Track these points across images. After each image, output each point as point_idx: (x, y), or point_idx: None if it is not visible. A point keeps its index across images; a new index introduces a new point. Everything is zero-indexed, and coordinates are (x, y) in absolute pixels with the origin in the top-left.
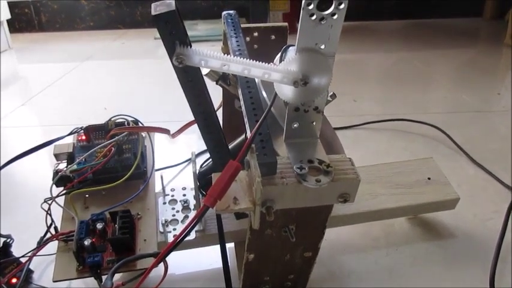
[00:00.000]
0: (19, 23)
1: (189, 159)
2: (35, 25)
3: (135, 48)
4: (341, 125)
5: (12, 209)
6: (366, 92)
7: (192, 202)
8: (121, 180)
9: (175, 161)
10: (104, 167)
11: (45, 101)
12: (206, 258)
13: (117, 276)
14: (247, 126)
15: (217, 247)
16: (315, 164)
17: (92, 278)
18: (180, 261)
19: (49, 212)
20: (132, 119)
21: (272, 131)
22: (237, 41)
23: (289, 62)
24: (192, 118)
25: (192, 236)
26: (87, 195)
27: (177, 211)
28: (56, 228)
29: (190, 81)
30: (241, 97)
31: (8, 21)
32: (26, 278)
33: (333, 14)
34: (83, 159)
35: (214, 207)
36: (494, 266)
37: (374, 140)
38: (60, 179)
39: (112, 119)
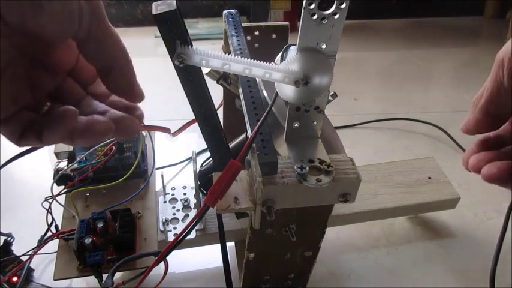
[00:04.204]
0: None
1: (190, 158)
2: None
3: (135, 47)
4: (342, 124)
5: (13, 207)
6: (366, 90)
7: (193, 201)
8: (122, 179)
9: (176, 159)
10: (105, 165)
11: None
12: (206, 257)
13: (117, 275)
14: (248, 125)
15: (218, 246)
16: (316, 163)
17: (93, 276)
18: (181, 260)
19: (50, 210)
20: None
21: (273, 130)
22: (237, 40)
23: (290, 61)
24: (193, 117)
25: (193, 235)
26: (87, 194)
27: (178, 210)
28: (56, 226)
29: (191, 80)
30: (242, 96)
31: None
32: (27, 276)
33: (334, 14)
34: (84, 158)
35: (215, 206)
36: (495, 266)
37: (375, 139)
38: (60, 178)
39: None
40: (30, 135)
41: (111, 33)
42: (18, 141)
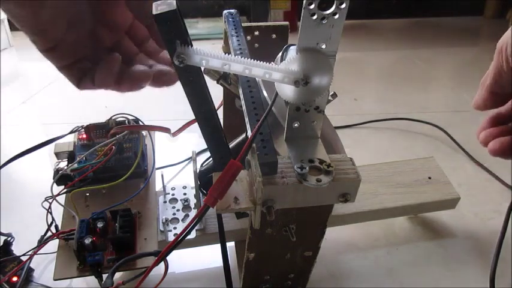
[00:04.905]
0: None
1: (190, 158)
2: None
3: None
4: (342, 124)
5: (13, 207)
6: (366, 90)
7: (193, 201)
8: (122, 179)
9: (176, 159)
10: (105, 165)
11: (45, 99)
12: (206, 257)
13: (117, 275)
14: (248, 125)
15: (218, 246)
16: (316, 163)
17: (93, 276)
18: (181, 260)
19: (50, 210)
20: (133, 118)
21: (273, 130)
22: (237, 40)
23: (290, 61)
24: (193, 117)
25: (193, 235)
26: (87, 194)
27: (178, 210)
28: (56, 226)
29: (191, 80)
30: (242, 96)
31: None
32: (27, 276)
33: (334, 14)
34: (84, 158)
35: (215, 206)
36: (495, 266)
37: (375, 139)
38: (60, 178)
39: (113, 118)
40: (87, 80)
41: None
42: (78, 85)
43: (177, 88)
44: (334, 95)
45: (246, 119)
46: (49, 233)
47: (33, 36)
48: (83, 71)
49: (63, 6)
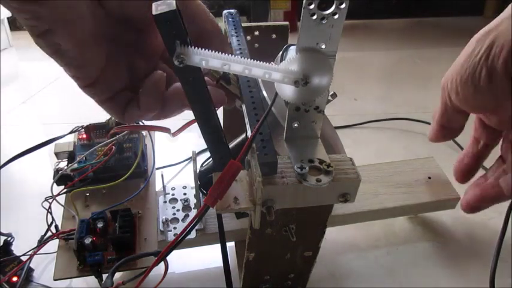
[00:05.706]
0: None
1: (190, 158)
2: None
3: None
4: (342, 124)
5: (13, 207)
6: (366, 90)
7: (193, 201)
8: (121, 179)
9: (176, 159)
10: (105, 165)
11: (45, 99)
12: (206, 257)
13: (117, 275)
14: (247, 125)
15: (218, 246)
16: (316, 163)
17: (93, 276)
18: (181, 260)
19: (50, 210)
20: None
21: (273, 130)
22: (237, 40)
23: (290, 61)
24: (193, 117)
25: (193, 235)
26: (87, 194)
27: (178, 210)
28: (56, 226)
29: (191, 80)
30: (242, 96)
31: (8, 19)
32: (27, 276)
33: (334, 14)
34: (84, 158)
35: (215, 206)
36: (495, 266)
37: (375, 139)
38: (60, 178)
39: (112, 118)
40: (131, 109)
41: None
42: (122, 117)
43: None
44: (334, 95)
45: (246, 119)
46: (49, 233)
47: (75, 71)
48: (125, 101)
49: (103, 39)
